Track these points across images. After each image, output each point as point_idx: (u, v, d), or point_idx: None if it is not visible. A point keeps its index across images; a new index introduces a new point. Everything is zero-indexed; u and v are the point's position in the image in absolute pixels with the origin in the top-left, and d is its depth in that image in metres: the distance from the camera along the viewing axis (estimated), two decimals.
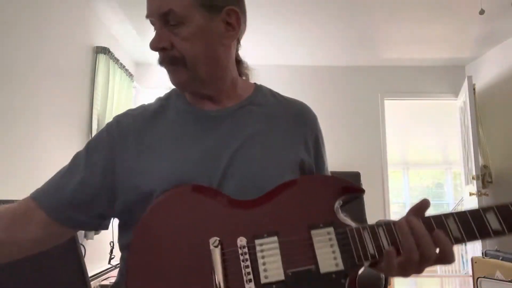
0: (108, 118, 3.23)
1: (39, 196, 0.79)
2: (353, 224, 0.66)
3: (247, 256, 0.63)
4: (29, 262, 0.81)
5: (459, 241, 0.61)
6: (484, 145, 4.08)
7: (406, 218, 0.62)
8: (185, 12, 0.72)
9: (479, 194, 3.65)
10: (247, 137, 0.79)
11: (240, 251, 0.64)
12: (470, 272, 2.77)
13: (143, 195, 0.73)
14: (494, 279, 2.48)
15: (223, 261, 0.64)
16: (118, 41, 3.80)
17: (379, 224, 0.64)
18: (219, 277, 0.62)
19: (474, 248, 3.84)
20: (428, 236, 0.60)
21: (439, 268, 5.52)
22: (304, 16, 3.52)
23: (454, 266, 5.43)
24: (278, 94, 0.93)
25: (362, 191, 0.71)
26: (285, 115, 0.86)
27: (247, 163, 0.76)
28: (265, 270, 0.62)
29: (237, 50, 0.88)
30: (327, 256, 0.62)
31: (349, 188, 0.71)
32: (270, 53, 4.31)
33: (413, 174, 7.40)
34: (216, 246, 0.64)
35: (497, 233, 0.60)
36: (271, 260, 0.63)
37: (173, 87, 0.85)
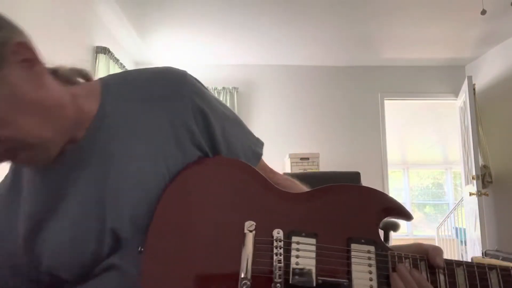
0: None
1: None
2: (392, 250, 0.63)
3: (281, 251, 0.60)
4: None
5: None
6: (484, 145, 4.08)
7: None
8: None
9: (479, 194, 3.65)
10: (117, 174, 0.63)
11: (275, 244, 0.60)
12: None
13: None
14: None
15: (256, 250, 0.60)
16: (118, 41, 3.80)
17: (421, 258, 0.61)
18: (248, 264, 0.58)
19: (474, 248, 3.84)
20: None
21: None
22: (304, 16, 3.52)
23: None
24: (133, 79, 0.70)
25: (410, 218, 0.66)
26: (147, 111, 0.66)
27: (122, 195, 0.62)
28: (296, 270, 0.59)
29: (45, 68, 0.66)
30: (363, 275, 0.59)
31: (399, 211, 0.66)
32: (270, 53, 4.31)
33: (413, 174, 7.41)
34: (251, 231, 0.61)
35: None
36: (305, 262, 0.59)
37: None
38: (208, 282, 0.59)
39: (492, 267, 0.60)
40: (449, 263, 0.60)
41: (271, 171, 0.79)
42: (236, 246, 0.60)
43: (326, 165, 4.04)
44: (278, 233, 0.61)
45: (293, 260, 0.59)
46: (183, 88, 0.67)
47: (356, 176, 2.37)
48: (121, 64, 3.57)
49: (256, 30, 3.72)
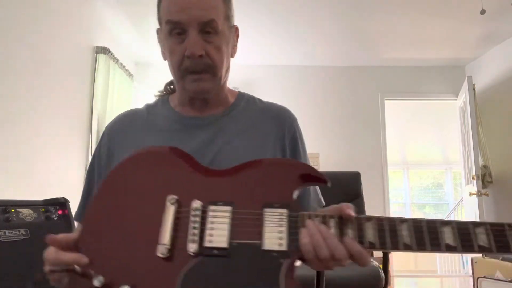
0: (108, 118, 3.23)
1: (77, 217, 0.89)
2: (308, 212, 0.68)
3: (197, 219, 0.66)
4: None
5: (372, 247, 0.63)
6: (484, 145, 4.08)
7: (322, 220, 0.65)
8: (221, 24, 0.80)
9: (479, 194, 3.65)
10: (226, 142, 0.84)
11: (192, 213, 0.67)
12: (470, 272, 2.77)
13: None
14: (494, 279, 2.48)
15: (176, 219, 0.67)
16: (118, 41, 3.80)
17: (331, 216, 0.65)
18: (166, 233, 0.65)
19: None
20: (334, 238, 0.62)
21: (439, 268, 5.53)
22: (304, 16, 3.53)
23: (454, 266, 5.44)
24: (260, 100, 0.97)
25: (325, 181, 0.71)
26: (263, 119, 0.90)
27: (226, 165, 0.79)
28: (210, 235, 0.65)
29: None
30: (273, 235, 0.64)
31: (313, 176, 0.72)
32: (270, 53, 4.32)
33: (413, 174, 7.41)
34: (172, 204, 0.68)
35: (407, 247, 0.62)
36: (220, 227, 0.65)
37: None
38: (134, 249, 0.66)
39: (403, 220, 0.63)
40: (358, 218, 0.64)
41: None
42: (160, 218, 0.67)
43: (326, 165, 4.04)
44: (195, 203, 0.67)
45: (208, 226, 0.65)
46: (293, 121, 0.93)
47: (356, 176, 2.37)
48: (121, 64, 3.57)
49: (256, 30, 3.73)
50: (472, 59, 4.43)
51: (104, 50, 3.27)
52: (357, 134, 4.47)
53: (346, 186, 2.32)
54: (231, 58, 0.89)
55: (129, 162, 0.77)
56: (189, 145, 0.82)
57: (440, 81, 4.59)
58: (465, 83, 3.92)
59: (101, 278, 0.62)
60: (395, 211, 6.88)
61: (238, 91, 0.98)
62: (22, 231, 1.27)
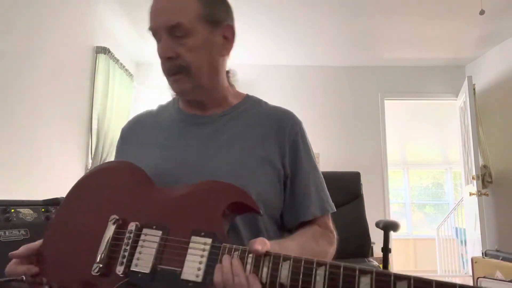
0: (108, 118, 3.23)
1: None
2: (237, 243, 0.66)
3: (129, 241, 0.68)
4: None
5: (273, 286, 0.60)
6: (484, 145, 4.07)
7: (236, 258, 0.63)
8: (191, 25, 0.80)
9: (479, 194, 3.65)
10: (224, 142, 0.86)
11: (127, 235, 0.69)
12: (470, 272, 2.78)
13: None
14: (494, 279, 2.48)
15: (114, 239, 0.69)
16: (118, 41, 3.80)
17: (250, 250, 0.63)
18: (100, 252, 0.68)
19: (474, 248, 3.84)
20: (243, 277, 0.61)
21: (439, 268, 5.53)
22: (304, 16, 3.53)
23: (454, 266, 5.44)
24: (266, 103, 0.98)
25: (258, 212, 0.70)
26: (265, 122, 0.91)
27: (219, 164, 0.83)
28: (138, 259, 0.67)
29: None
30: (193, 265, 0.64)
31: (245, 205, 0.70)
32: (270, 53, 4.31)
33: (413, 174, 7.40)
34: (113, 224, 0.70)
35: None
36: (147, 251, 0.67)
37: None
38: (77, 263, 0.70)
39: (321, 263, 0.59)
40: (276, 256, 0.62)
41: (321, 234, 0.86)
42: (102, 236, 0.70)
43: (326, 165, 4.03)
44: (131, 226, 0.69)
45: (138, 249, 0.68)
46: (296, 125, 0.92)
47: (356, 176, 2.36)
48: (121, 64, 3.57)
49: (256, 30, 3.72)
50: (472, 59, 4.43)
51: (104, 50, 3.26)
52: (357, 134, 4.47)
53: (346, 186, 2.32)
54: (225, 58, 0.90)
55: (89, 177, 0.81)
56: (187, 145, 0.86)
57: (440, 81, 4.59)
58: (465, 83, 3.92)
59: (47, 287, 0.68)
60: (395, 211, 6.88)
61: (246, 94, 1.00)
62: (22, 231, 1.27)
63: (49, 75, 2.54)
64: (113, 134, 3.27)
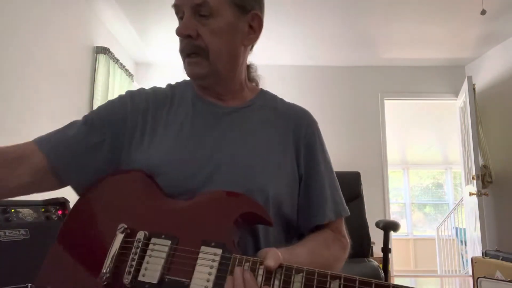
0: None
1: (41, 141, 0.80)
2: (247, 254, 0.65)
3: (137, 250, 0.66)
4: None
5: None
6: (484, 145, 4.07)
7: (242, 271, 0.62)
8: (218, 6, 0.76)
9: (479, 194, 3.65)
10: (240, 137, 0.82)
11: (135, 244, 0.67)
12: (470, 272, 2.78)
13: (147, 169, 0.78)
14: (494, 279, 2.48)
15: (122, 248, 0.67)
16: (118, 41, 3.80)
17: (262, 262, 0.61)
18: (108, 261, 0.66)
19: (474, 248, 3.84)
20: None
21: (439, 268, 5.53)
22: (304, 16, 3.53)
23: (454, 266, 5.44)
24: (282, 100, 0.94)
25: (270, 223, 0.69)
26: (280, 119, 0.87)
27: (235, 160, 0.78)
28: (146, 269, 0.65)
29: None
30: (202, 276, 0.62)
31: (257, 216, 0.69)
32: (270, 53, 4.31)
33: (413, 174, 7.41)
34: (121, 233, 0.68)
35: None
36: (155, 261, 0.65)
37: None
38: (86, 272, 0.69)
39: (336, 276, 0.57)
40: (288, 268, 0.60)
41: (333, 239, 0.83)
42: (108, 246, 0.69)
43: None
44: (140, 235, 0.68)
45: (146, 259, 0.66)
46: (312, 124, 0.89)
47: (356, 176, 2.37)
48: (121, 64, 3.57)
49: None
50: (472, 59, 4.43)
51: (104, 50, 3.26)
52: (357, 134, 4.47)
53: (346, 186, 2.31)
54: (247, 49, 0.85)
55: (98, 185, 0.78)
56: (204, 135, 0.81)
57: (440, 81, 4.59)
58: (465, 83, 3.92)
59: None
60: (395, 211, 6.88)
61: (261, 88, 0.96)
62: (22, 231, 1.27)
63: (49, 75, 2.54)
64: None
